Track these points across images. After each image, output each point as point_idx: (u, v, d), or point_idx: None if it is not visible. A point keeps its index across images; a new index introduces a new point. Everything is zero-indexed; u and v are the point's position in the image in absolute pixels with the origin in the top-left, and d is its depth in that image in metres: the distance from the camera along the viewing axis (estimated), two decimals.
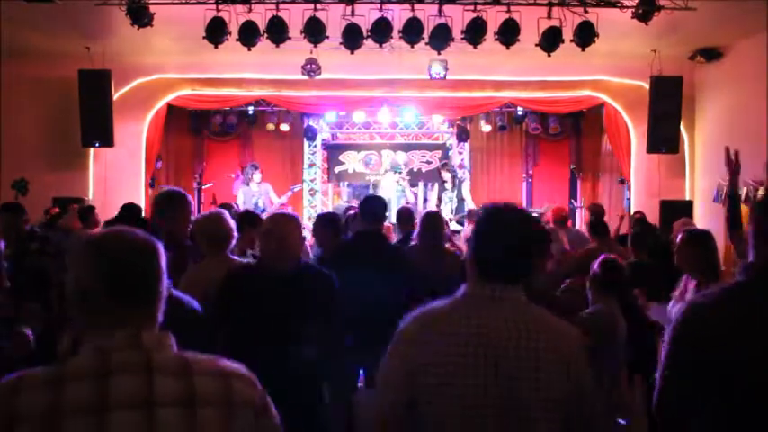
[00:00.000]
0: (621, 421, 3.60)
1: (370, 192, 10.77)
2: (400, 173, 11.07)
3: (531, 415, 1.71)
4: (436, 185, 10.83)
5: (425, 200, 10.93)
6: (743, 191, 8.27)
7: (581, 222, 10.50)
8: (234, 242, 3.66)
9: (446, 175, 10.33)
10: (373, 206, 4.44)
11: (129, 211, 5.32)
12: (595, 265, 3.76)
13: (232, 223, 3.64)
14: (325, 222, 4.71)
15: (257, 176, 9.93)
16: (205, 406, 1.24)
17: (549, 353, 1.74)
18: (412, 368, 1.77)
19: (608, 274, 3.71)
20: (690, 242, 3.82)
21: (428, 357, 1.75)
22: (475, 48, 7.19)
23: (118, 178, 9.67)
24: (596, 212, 7.47)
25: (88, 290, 1.29)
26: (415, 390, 1.77)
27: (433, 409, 1.75)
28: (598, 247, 5.44)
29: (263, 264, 3.15)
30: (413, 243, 4.97)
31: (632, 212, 8.85)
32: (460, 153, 12.45)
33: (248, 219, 4.46)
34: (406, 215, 5.68)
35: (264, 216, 4.36)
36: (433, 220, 4.91)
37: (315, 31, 7.02)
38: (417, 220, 5.24)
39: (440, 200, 10.18)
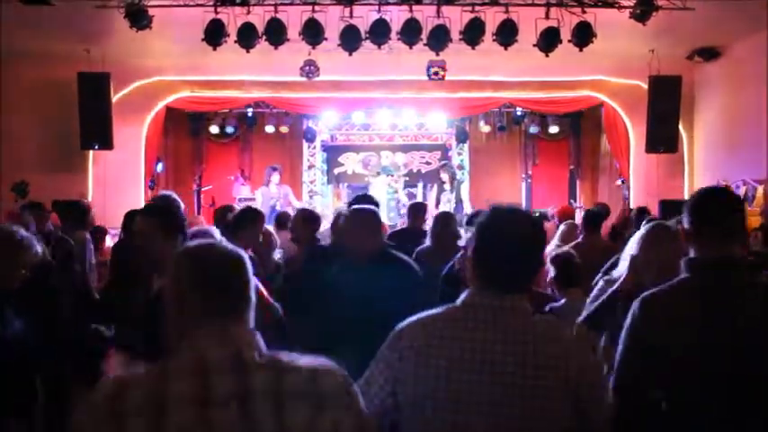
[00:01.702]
0: None
1: (368, 191, 10.73)
2: (392, 175, 11.05)
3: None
4: (435, 186, 10.81)
5: (424, 200, 10.89)
6: (742, 190, 8.29)
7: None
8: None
9: (445, 176, 10.27)
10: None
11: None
12: (548, 264, 3.83)
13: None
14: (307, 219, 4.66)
15: (276, 178, 9.59)
16: (294, 400, 1.34)
17: (552, 370, 1.62)
18: (398, 376, 1.67)
19: (561, 269, 3.79)
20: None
21: (420, 367, 1.63)
22: (473, 48, 7.21)
23: (117, 180, 9.66)
24: (594, 209, 7.38)
25: (185, 295, 1.44)
26: (401, 399, 1.66)
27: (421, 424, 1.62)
28: (583, 242, 5.35)
29: None
30: (426, 245, 4.81)
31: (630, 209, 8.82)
32: (460, 154, 12.46)
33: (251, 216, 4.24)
34: (418, 207, 5.91)
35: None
36: (447, 220, 4.86)
37: (313, 32, 7.04)
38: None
39: (438, 201, 10.14)
